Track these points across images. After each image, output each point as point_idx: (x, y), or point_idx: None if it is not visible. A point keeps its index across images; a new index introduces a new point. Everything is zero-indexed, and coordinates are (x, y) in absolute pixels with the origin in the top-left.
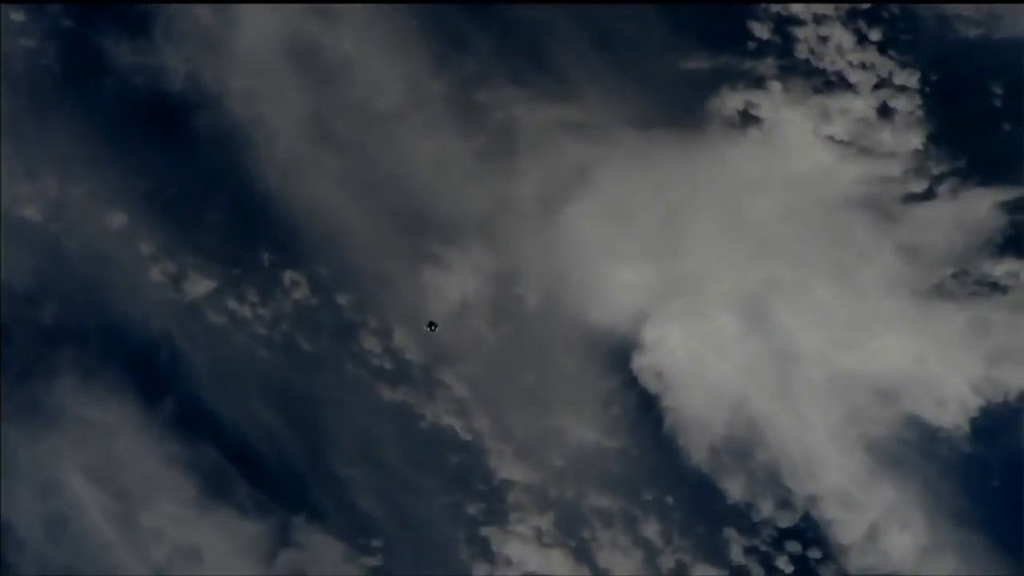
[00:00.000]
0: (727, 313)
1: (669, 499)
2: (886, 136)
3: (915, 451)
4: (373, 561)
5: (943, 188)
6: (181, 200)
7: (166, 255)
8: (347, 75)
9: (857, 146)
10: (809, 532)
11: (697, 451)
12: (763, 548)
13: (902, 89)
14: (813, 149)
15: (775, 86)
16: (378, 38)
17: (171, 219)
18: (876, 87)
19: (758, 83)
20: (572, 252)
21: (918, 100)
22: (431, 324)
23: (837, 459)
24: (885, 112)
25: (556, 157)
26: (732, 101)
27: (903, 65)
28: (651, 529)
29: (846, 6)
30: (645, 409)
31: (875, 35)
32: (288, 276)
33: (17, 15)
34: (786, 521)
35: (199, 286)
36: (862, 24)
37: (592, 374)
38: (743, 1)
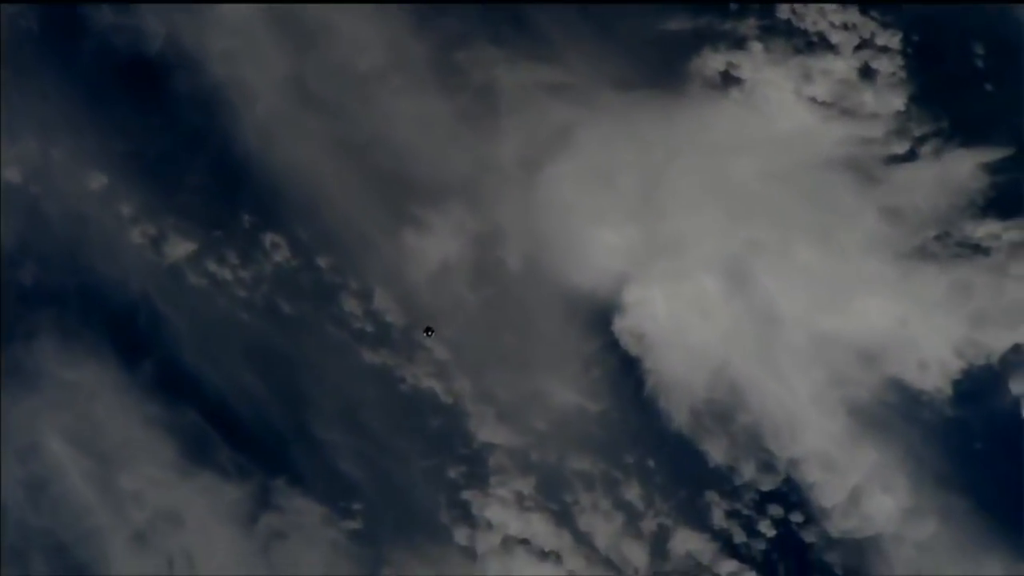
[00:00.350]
0: (708, 275)
1: (650, 462)
2: (868, 97)
3: (897, 414)
4: (354, 524)
5: (925, 149)
6: (161, 162)
7: (146, 217)
8: (327, 36)
9: (839, 107)
10: (791, 495)
11: (678, 414)
12: (745, 512)
13: (884, 50)
14: (795, 110)
15: (756, 47)
16: None
17: (151, 181)
18: (858, 48)
19: (739, 44)
20: (553, 214)
21: (900, 61)
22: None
23: (819, 422)
24: (867, 73)
25: (537, 118)
26: (713, 62)
27: (885, 26)
28: (632, 492)
29: None
30: (626, 372)
31: None
32: (268, 238)
33: None
34: (768, 484)
35: (179, 248)
36: None
37: (573, 337)
38: None
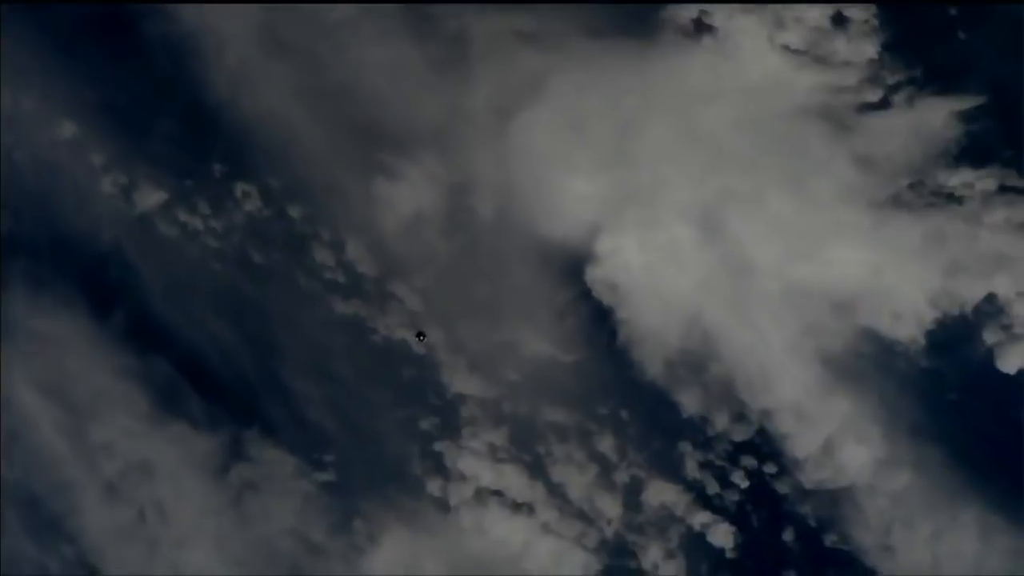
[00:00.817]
0: (681, 224)
1: (624, 413)
2: (841, 45)
3: (871, 364)
4: (326, 476)
5: (898, 98)
6: (132, 110)
7: (117, 166)
8: None
9: (812, 55)
10: (764, 446)
11: (652, 364)
12: (718, 463)
13: None
14: (767, 58)
15: None
16: None
17: (122, 129)
18: None
19: None
20: (525, 163)
21: (873, 9)
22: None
23: (792, 372)
24: (840, 21)
25: (509, 66)
26: (686, 10)
27: None
28: (606, 444)
29: None
30: (599, 322)
31: None
32: (239, 188)
33: None
34: (741, 435)
35: (150, 198)
36: None
37: (546, 287)
38: None
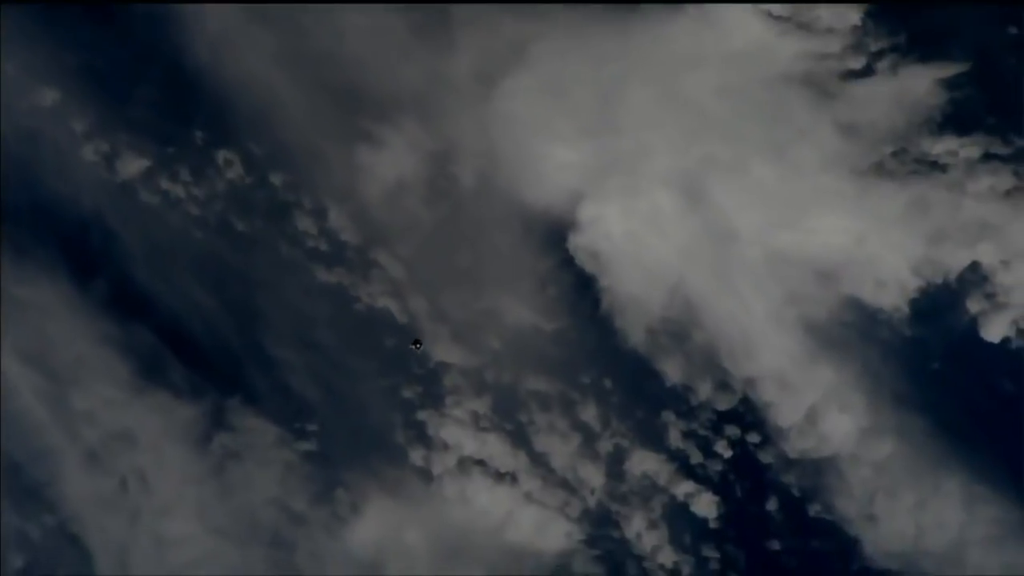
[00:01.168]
0: (664, 192)
1: (607, 382)
2: (824, 12)
3: (854, 333)
4: (308, 445)
5: (882, 65)
6: (114, 77)
7: (99, 133)
8: None
9: (795, 22)
10: (747, 415)
11: (634, 333)
12: (701, 432)
13: None
14: (750, 25)
15: None
16: None
17: (104, 96)
18: None
19: None
20: (508, 130)
21: None
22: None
23: (775, 341)
24: None
25: (491, 33)
26: None
27: None
28: (589, 413)
29: None
30: (582, 290)
31: None
32: (222, 155)
33: None
34: (724, 404)
35: (132, 165)
36: None
37: (528, 255)
38: None
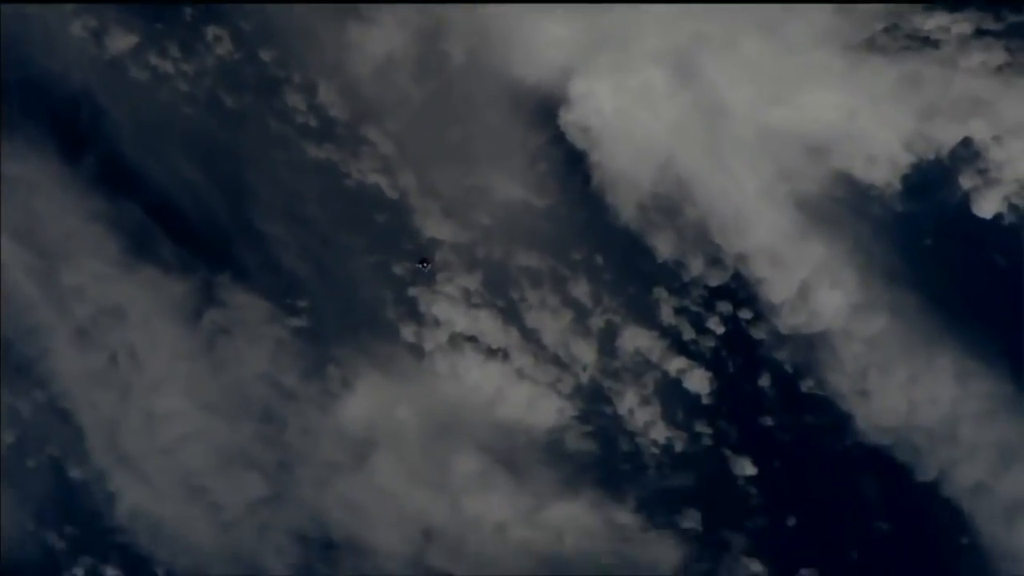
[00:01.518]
0: (655, 68)
1: (598, 258)
2: None
3: (846, 208)
4: (299, 321)
5: None
6: None
7: (87, 9)
8: None
9: None
10: (739, 291)
11: (625, 209)
12: (693, 308)
13: None
14: None
15: None
16: None
17: None
18: None
19: None
20: (498, 5)
21: None
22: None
23: (767, 217)
24: None
25: None
26: None
27: None
28: (580, 289)
29: None
30: (573, 166)
31: None
32: (211, 31)
33: None
34: (716, 280)
35: (121, 41)
36: None
37: (519, 130)
38: None
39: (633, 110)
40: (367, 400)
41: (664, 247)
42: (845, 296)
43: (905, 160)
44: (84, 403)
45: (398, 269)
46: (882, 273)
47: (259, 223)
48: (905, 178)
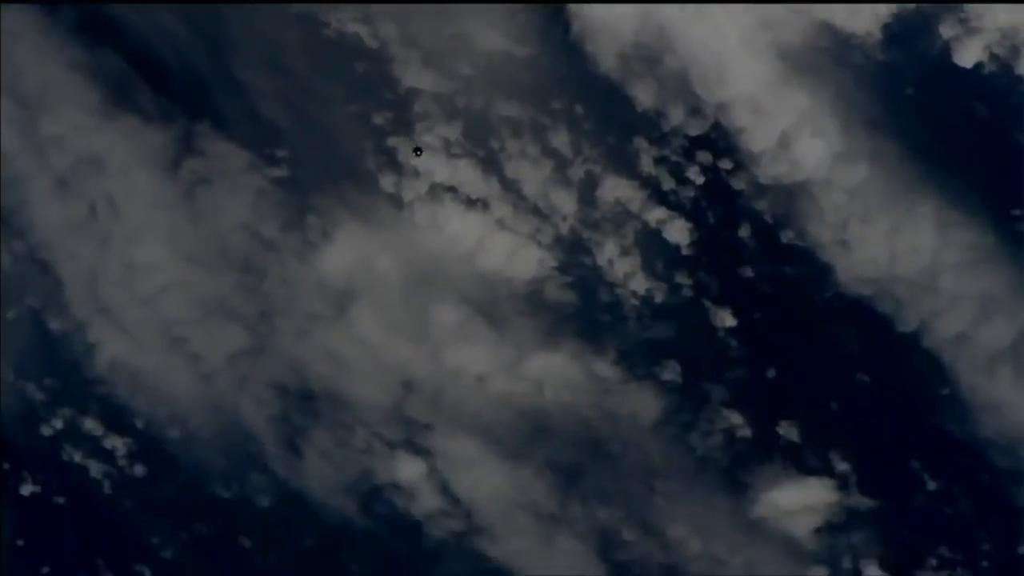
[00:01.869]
0: None
1: (578, 108)
2: None
3: (827, 57)
4: (278, 172)
5: None
6: None
7: None
8: None
9: None
10: (719, 141)
11: (605, 58)
12: (673, 158)
13: None
14: None
15: None
16: None
17: None
18: None
19: None
20: None
21: None
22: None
23: (748, 65)
24: None
25: None
26: None
27: None
28: (560, 139)
29: None
30: (552, 15)
31: None
32: None
33: None
34: (696, 129)
35: None
36: None
37: None
38: None
39: None
40: (347, 251)
41: (644, 97)
42: (826, 145)
43: (886, 9)
44: (63, 253)
45: (378, 119)
46: (863, 122)
47: (238, 71)
48: (886, 27)
